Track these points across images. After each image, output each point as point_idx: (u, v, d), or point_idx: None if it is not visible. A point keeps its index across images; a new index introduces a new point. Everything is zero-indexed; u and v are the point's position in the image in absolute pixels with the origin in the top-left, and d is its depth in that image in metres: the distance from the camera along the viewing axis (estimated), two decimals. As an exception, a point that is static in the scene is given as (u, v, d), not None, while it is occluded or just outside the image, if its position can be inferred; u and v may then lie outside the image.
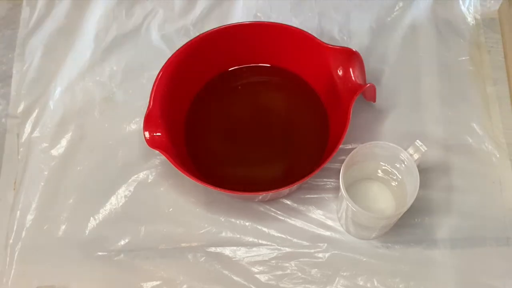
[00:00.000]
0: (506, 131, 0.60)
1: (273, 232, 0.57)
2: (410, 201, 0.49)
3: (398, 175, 0.53)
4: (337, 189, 0.58)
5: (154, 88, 0.55)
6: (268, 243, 0.57)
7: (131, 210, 0.59)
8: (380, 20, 0.66)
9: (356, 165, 0.53)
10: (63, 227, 0.59)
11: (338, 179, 0.59)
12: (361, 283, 0.55)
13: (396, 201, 0.54)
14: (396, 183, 0.54)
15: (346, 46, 0.57)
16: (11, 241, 0.58)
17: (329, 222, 0.57)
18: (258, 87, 0.63)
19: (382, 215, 0.53)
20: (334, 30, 0.66)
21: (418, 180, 0.49)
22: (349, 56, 0.56)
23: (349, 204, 0.49)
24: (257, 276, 0.56)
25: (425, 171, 0.58)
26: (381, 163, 0.53)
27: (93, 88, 0.65)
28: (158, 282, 0.56)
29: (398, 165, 0.52)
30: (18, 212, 0.60)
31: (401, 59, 0.64)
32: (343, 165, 0.50)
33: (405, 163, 0.51)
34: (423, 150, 0.50)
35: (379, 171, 0.54)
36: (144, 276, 0.56)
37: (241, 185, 0.57)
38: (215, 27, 0.59)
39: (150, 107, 0.55)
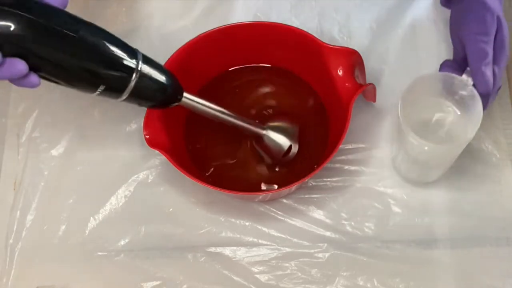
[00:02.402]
0: (506, 131, 0.60)
1: (273, 232, 0.58)
2: (475, 127, 0.47)
3: (456, 106, 0.51)
4: (337, 188, 0.58)
5: (154, 88, 0.55)
6: (268, 243, 0.57)
7: (131, 210, 0.59)
8: (380, 20, 0.66)
9: (413, 99, 0.51)
10: (63, 227, 0.59)
11: (339, 178, 0.59)
12: (361, 283, 0.55)
13: (457, 134, 0.52)
14: (456, 113, 0.52)
15: (346, 46, 0.57)
16: (11, 241, 0.58)
17: (329, 222, 0.57)
18: (258, 87, 0.63)
19: (450, 143, 0.50)
20: (334, 30, 0.66)
21: (481, 104, 0.47)
22: (349, 56, 0.56)
23: (413, 140, 0.47)
24: (257, 276, 0.56)
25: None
26: (437, 94, 0.52)
27: (93, 88, 0.65)
28: (158, 282, 0.56)
29: (456, 96, 0.51)
30: (18, 212, 0.60)
31: (401, 59, 0.64)
32: (401, 98, 0.48)
33: (464, 92, 0.49)
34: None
35: (438, 103, 0.52)
36: (144, 276, 0.56)
37: (241, 185, 0.57)
38: (215, 27, 0.59)
39: (150, 107, 0.55)
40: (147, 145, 0.53)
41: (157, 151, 0.53)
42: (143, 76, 0.45)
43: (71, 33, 0.41)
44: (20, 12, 0.39)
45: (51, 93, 0.64)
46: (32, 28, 0.39)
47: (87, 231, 0.58)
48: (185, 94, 0.51)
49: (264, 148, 0.57)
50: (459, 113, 0.51)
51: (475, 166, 0.58)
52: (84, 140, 0.62)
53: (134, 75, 0.44)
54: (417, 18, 0.65)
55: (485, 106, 0.49)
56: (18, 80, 0.40)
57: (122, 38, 0.66)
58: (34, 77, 0.41)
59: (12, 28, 0.38)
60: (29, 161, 0.62)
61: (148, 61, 0.46)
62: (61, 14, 0.41)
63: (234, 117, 0.54)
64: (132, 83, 0.44)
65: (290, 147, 0.57)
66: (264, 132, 0.56)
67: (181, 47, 0.57)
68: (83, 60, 0.42)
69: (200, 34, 0.58)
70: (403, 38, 0.65)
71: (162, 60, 0.57)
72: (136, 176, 0.60)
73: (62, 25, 0.40)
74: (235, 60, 0.63)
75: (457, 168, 0.58)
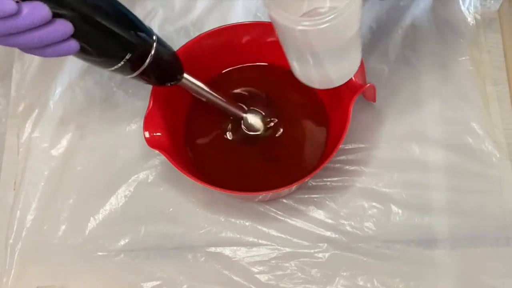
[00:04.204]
0: (506, 131, 0.60)
1: (273, 232, 0.58)
2: None
3: None
4: (337, 188, 0.58)
5: (154, 88, 0.55)
6: (268, 243, 0.57)
7: (131, 210, 0.59)
8: (380, 20, 0.66)
9: None
10: (63, 227, 0.59)
11: (338, 178, 0.59)
12: (361, 283, 0.55)
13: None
14: None
15: (346, 46, 0.57)
16: (11, 241, 0.58)
17: (329, 222, 0.57)
18: (258, 87, 0.63)
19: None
20: (334, 30, 0.66)
21: None
22: (349, 56, 0.56)
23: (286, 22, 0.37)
24: (257, 276, 0.56)
25: (425, 171, 0.58)
26: None
27: (93, 88, 0.65)
28: (158, 282, 0.56)
29: None
30: (18, 212, 0.60)
31: (401, 59, 0.64)
32: None
33: None
34: None
35: None
36: (144, 276, 0.56)
37: (241, 185, 0.57)
38: (215, 27, 0.59)
39: (150, 107, 0.55)
40: (147, 145, 0.53)
41: (157, 151, 0.53)
42: (158, 48, 0.48)
43: None
44: None
45: (51, 93, 0.64)
46: None
47: (87, 231, 0.58)
48: (184, 75, 0.53)
49: (246, 127, 0.60)
50: None
51: (475, 166, 0.58)
52: (84, 140, 0.62)
53: (153, 44, 0.47)
54: (417, 18, 0.65)
55: None
56: (58, 45, 0.40)
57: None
58: (73, 42, 0.41)
59: None
60: (29, 161, 0.62)
61: (158, 36, 0.49)
62: None
63: (223, 101, 0.57)
64: (153, 52, 0.47)
65: (267, 123, 0.60)
66: (244, 115, 0.59)
67: (181, 47, 0.57)
68: (118, 23, 0.44)
69: (201, 34, 0.58)
70: (403, 38, 0.65)
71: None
72: (136, 176, 0.60)
73: None
74: (235, 60, 0.63)
75: (457, 168, 0.58)
